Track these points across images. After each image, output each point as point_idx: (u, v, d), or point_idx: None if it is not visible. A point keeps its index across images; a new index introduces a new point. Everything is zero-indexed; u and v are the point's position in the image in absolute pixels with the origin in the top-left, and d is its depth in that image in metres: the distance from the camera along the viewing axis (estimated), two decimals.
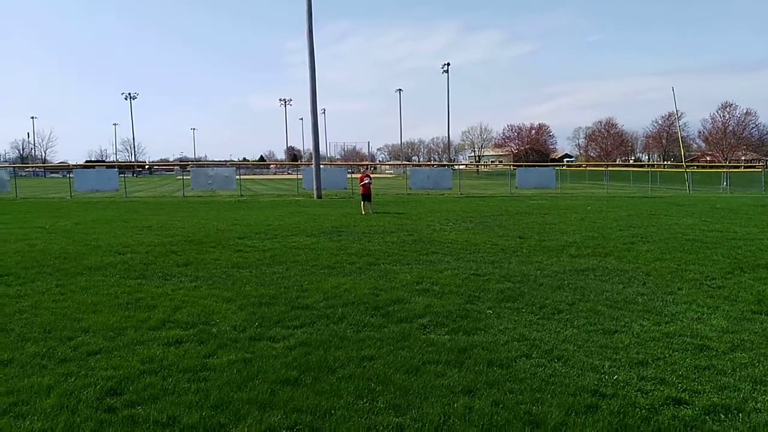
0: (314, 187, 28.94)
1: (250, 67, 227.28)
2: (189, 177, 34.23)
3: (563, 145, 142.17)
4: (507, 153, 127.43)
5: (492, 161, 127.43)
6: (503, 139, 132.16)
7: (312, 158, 31.02)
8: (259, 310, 6.26)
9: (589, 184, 47.29)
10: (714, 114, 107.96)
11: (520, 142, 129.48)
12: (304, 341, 5.19)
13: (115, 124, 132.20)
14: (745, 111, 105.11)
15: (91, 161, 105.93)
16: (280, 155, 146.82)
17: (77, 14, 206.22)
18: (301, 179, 34.32)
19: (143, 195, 33.12)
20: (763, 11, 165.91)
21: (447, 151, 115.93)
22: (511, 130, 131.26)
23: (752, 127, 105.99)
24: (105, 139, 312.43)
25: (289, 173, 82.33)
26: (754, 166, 71.80)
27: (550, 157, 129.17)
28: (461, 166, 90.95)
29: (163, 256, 9.91)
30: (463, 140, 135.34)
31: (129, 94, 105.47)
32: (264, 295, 6.95)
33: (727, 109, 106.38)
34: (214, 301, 6.68)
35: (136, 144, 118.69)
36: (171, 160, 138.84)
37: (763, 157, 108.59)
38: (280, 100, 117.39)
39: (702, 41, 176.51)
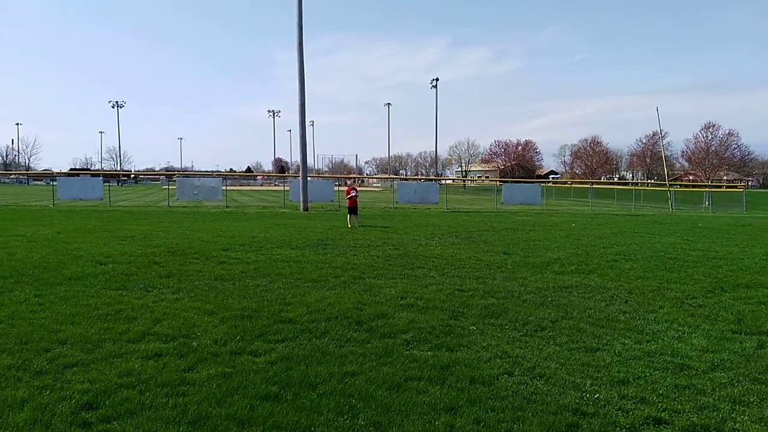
0: (301, 199, 28.86)
1: (239, 77, 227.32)
2: (174, 187, 33.99)
3: (549, 162, 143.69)
4: (493, 169, 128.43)
5: (479, 176, 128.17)
6: (490, 154, 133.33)
7: (299, 170, 30.97)
8: (241, 323, 6.20)
9: (574, 201, 47.73)
10: (697, 134, 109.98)
11: (506, 158, 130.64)
12: (286, 356, 5.14)
13: (101, 132, 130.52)
14: (727, 132, 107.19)
15: (75, 169, 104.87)
16: (268, 166, 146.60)
17: (65, 21, 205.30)
18: (287, 191, 34.23)
19: (128, 204, 32.80)
20: (746, 35, 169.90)
21: (434, 165, 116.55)
22: (498, 146, 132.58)
23: (734, 148, 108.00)
24: (91, 147, 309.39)
25: (275, 185, 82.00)
26: (735, 186, 72.89)
27: (536, 173, 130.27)
28: (448, 181, 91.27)
29: (145, 267, 9.80)
30: (450, 155, 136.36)
31: (116, 102, 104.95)
32: (246, 308, 6.88)
33: (710, 129, 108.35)
34: (196, 313, 6.60)
35: (122, 153, 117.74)
36: (157, 169, 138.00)
37: (745, 178, 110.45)
38: (269, 111, 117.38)
39: (687, 62, 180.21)
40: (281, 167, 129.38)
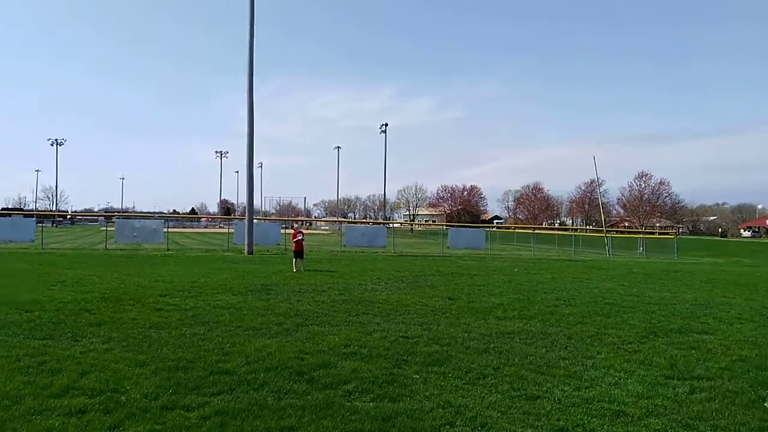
0: (246, 242, 28.33)
1: (186, 117, 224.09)
2: (113, 228, 32.74)
3: (493, 206, 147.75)
4: (440, 213, 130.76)
5: (426, 220, 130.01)
6: (437, 199, 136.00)
7: (246, 212, 30.53)
8: (175, 375, 5.91)
9: (517, 246, 48.88)
10: (631, 182, 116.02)
11: (452, 203, 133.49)
12: (221, 410, 4.91)
13: (37, 171, 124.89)
14: (659, 180, 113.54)
15: (7, 209, 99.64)
16: (213, 208, 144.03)
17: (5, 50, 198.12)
18: (232, 233, 33.57)
19: (61, 246, 31.27)
20: (679, 91, 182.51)
21: (383, 209, 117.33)
22: (445, 190, 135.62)
23: (665, 196, 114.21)
24: (26, 186, 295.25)
25: (220, 227, 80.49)
26: (667, 233, 76.73)
27: (481, 218, 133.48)
28: (396, 225, 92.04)
29: (75, 314, 9.29)
30: (398, 199, 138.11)
31: (56, 140, 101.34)
32: (182, 358, 6.59)
33: (643, 178, 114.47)
34: (127, 365, 6.26)
35: (59, 192, 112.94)
36: (96, 210, 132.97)
37: (676, 224, 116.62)
38: (216, 152, 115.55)
39: (621, 115, 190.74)
40: (227, 209, 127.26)
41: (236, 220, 44.84)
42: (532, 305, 11.89)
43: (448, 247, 35.67)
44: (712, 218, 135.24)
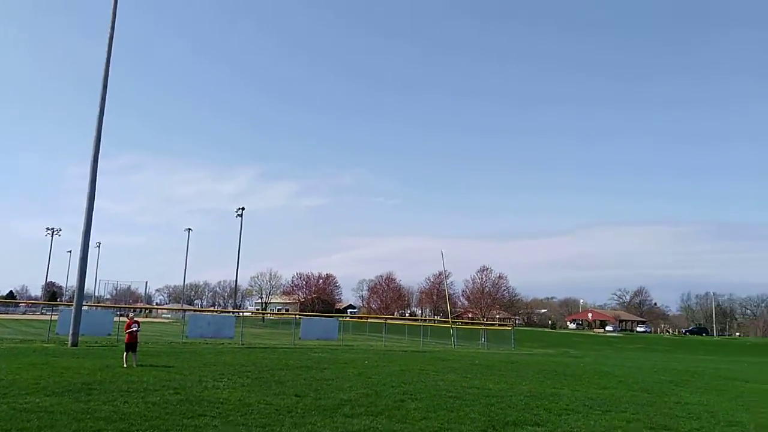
0: (70, 332, 25.16)
1: (11, 188, 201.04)
2: None
3: (348, 295, 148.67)
4: (294, 301, 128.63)
5: (279, 309, 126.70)
6: (292, 286, 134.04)
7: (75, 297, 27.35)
8: None
9: (369, 336, 49.16)
10: (474, 275, 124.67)
11: (307, 291, 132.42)
12: None
13: None
14: (498, 275, 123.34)
15: None
16: (36, 291, 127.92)
17: None
18: (55, 321, 29.74)
19: None
20: (514, 199, 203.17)
21: (233, 296, 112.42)
22: (300, 278, 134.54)
23: (504, 289, 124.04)
24: None
25: (42, 313, 71.25)
26: (505, 324, 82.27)
27: (336, 306, 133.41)
28: (247, 313, 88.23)
29: None
30: (251, 285, 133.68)
31: None
32: None
33: (484, 271, 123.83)
34: None
35: None
36: None
37: (513, 316, 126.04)
38: (48, 229, 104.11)
39: (467, 214, 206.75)
40: (53, 293, 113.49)
41: (62, 306, 40.02)
42: (380, 400, 11.78)
43: (300, 338, 34.75)
44: (543, 311, 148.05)
